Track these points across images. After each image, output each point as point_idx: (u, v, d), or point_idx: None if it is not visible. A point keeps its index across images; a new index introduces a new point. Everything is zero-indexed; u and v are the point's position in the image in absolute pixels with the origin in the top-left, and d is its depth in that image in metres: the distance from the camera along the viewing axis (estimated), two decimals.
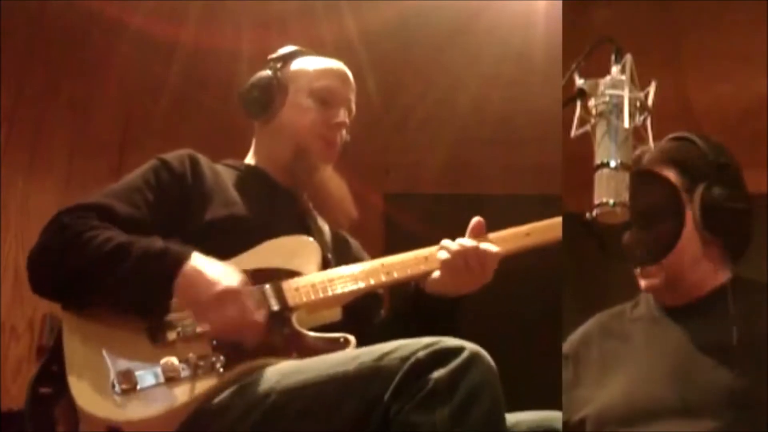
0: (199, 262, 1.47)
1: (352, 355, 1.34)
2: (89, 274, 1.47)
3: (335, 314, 1.62)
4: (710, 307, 1.56)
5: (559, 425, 1.48)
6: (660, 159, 1.58)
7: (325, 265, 1.69)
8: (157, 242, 1.49)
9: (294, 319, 1.55)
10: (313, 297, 1.58)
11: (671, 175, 1.57)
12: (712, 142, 1.61)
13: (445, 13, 3.26)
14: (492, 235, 1.70)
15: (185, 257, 1.46)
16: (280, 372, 1.37)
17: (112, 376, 1.40)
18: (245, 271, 1.53)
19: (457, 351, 1.26)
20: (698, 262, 1.58)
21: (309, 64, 1.87)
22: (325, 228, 1.86)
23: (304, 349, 1.47)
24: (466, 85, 3.56)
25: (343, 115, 1.82)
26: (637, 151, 1.54)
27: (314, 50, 1.92)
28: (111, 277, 1.46)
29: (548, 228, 1.71)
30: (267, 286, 1.57)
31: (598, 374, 1.60)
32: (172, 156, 1.70)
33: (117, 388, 1.38)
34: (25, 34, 3.14)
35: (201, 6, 3.21)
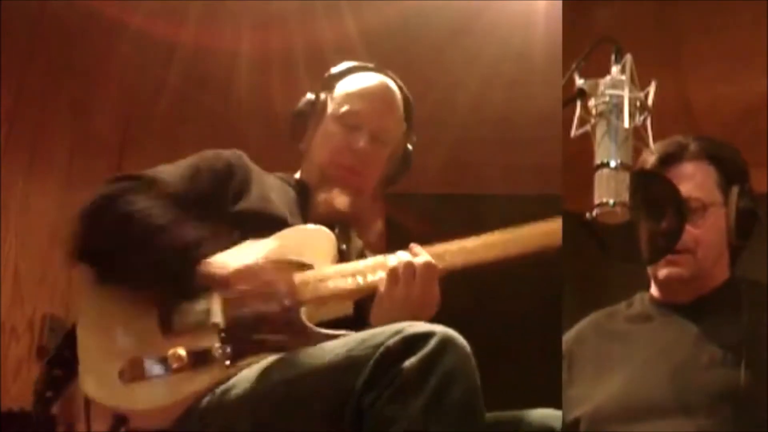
0: (218, 256, 1.51)
1: (330, 347, 1.33)
2: (118, 250, 1.50)
3: (347, 308, 1.59)
4: (713, 305, 1.57)
5: (559, 424, 1.48)
6: (701, 153, 1.60)
7: (341, 257, 1.67)
8: (187, 234, 1.52)
9: (303, 314, 1.53)
10: (322, 292, 1.56)
11: (710, 169, 1.59)
12: (736, 149, 1.64)
13: (445, 13, 3.26)
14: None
15: (204, 255, 1.51)
16: (264, 366, 1.38)
17: (121, 364, 1.41)
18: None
19: (427, 336, 1.23)
20: (720, 259, 1.61)
21: (346, 86, 1.83)
22: (359, 244, 1.85)
23: (310, 345, 1.45)
24: (466, 85, 3.55)
25: (364, 140, 1.76)
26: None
27: (366, 65, 1.90)
28: (135, 257, 1.49)
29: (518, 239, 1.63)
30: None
31: (593, 374, 1.60)
32: (223, 150, 1.75)
33: (124, 378, 1.40)
34: (25, 34, 3.14)
35: (201, 6, 3.21)
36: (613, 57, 1.41)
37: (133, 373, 1.40)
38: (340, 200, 1.74)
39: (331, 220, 1.72)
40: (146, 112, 3.56)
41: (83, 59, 3.33)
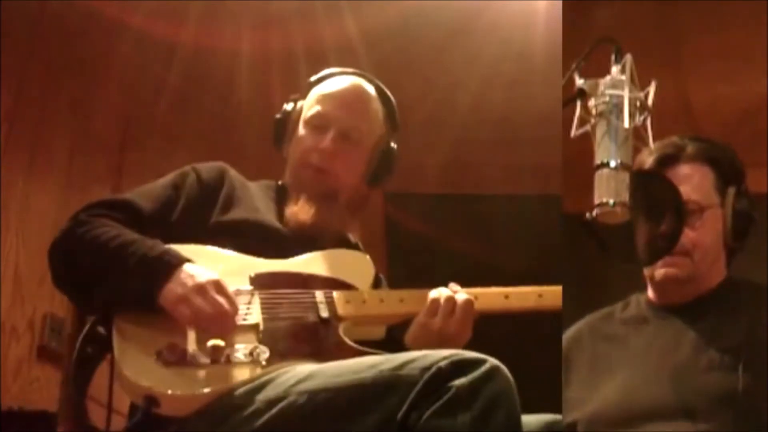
0: (187, 268, 1.50)
1: (370, 363, 1.34)
2: (91, 272, 1.52)
3: (379, 332, 1.65)
4: (710, 307, 1.57)
5: (560, 428, 1.47)
6: (698, 154, 1.60)
7: (377, 283, 1.73)
8: (156, 248, 1.52)
9: (341, 328, 1.56)
10: (362, 312, 1.61)
11: (707, 171, 1.59)
12: (732, 149, 1.64)
13: (446, 13, 3.26)
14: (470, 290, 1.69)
15: (175, 266, 1.49)
16: (301, 374, 1.38)
17: (158, 348, 1.42)
18: (300, 275, 1.63)
19: (478, 362, 1.27)
20: (717, 261, 1.61)
21: (317, 90, 1.85)
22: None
23: (346, 358, 1.46)
24: (466, 85, 3.56)
25: (330, 139, 1.77)
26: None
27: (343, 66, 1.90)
28: (109, 277, 1.50)
29: (527, 295, 1.71)
30: (318, 293, 1.60)
31: (589, 377, 1.59)
32: (204, 165, 1.77)
33: (161, 361, 1.41)
34: (26, 34, 3.14)
35: (201, 6, 3.21)
36: (613, 57, 1.41)
37: (171, 357, 1.41)
38: (304, 213, 1.75)
39: (301, 232, 1.73)
40: (146, 112, 3.56)
41: (83, 59, 3.33)
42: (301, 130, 1.82)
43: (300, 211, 1.75)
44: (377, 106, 1.86)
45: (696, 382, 1.48)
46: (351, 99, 1.83)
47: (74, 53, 3.29)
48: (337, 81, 1.86)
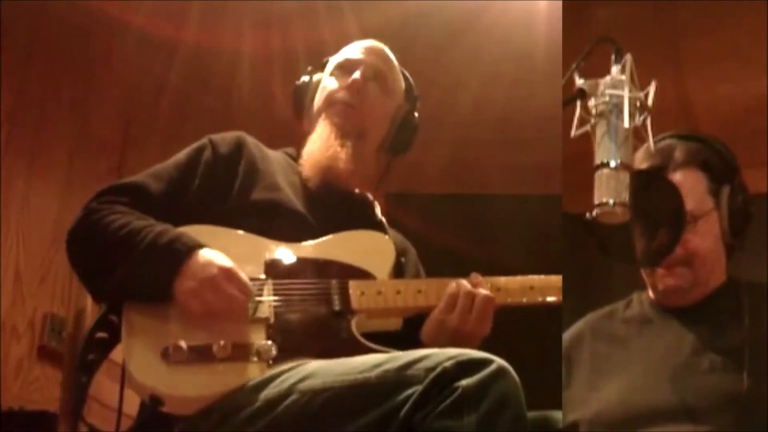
0: (197, 256, 1.47)
1: (376, 362, 1.32)
2: (103, 261, 1.49)
3: (395, 323, 1.59)
4: (713, 308, 1.56)
5: (559, 425, 1.47)
6: (688, 160, 1.57)
7: (397, 269, 1.67)
8: (165, 234, 1.48)
9: (353, 323, 1.52)
10: (376, 305, 1.56)
11: (699, 176, 1.57)
12: (722, 143, 1.62)
13: (446, 13, 3.27)
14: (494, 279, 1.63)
15: (185, 254, 1.47)
16: (304, 372, 1.36)
17: (165, 345, 1.40)
18: (317, 261, 1.57)
19: (485, 362, 1.25)
20: (718, 263, 1.59)
21: (340, 52, 1.83)
22: (390, 232, 1.80)
23: (354, 356, 1.41)
24: (467, 85, 3.56)
25: (358, 75, 1.74)
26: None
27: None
28: (120, 266, 1.47)
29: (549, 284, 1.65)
30: (332, 282, 1.56)
31: (590, 376, 1.58)
32: (221, 136, 1.72)
33: (166, 360, 1.39)
34: (26, 34, 3.14)
35: (202, 6, 3.22)
36: (613, 57, 1.41)
37: (176, 356, 1.39)
38: (322, 153, 1.69)
39: (317, 177, 1.68)
40: (147, 111, 3.56)
41: (83, 59, 3.33)
42: (326, 81, 1.78)
43: (318, 150, 1.70)
44: (399, 75, 1.84)
45: (698, 383, 1.48)
46: (378, 50, 1.82)
47: (74, 53, 3.30)
48: (362, 42, 1.84)
